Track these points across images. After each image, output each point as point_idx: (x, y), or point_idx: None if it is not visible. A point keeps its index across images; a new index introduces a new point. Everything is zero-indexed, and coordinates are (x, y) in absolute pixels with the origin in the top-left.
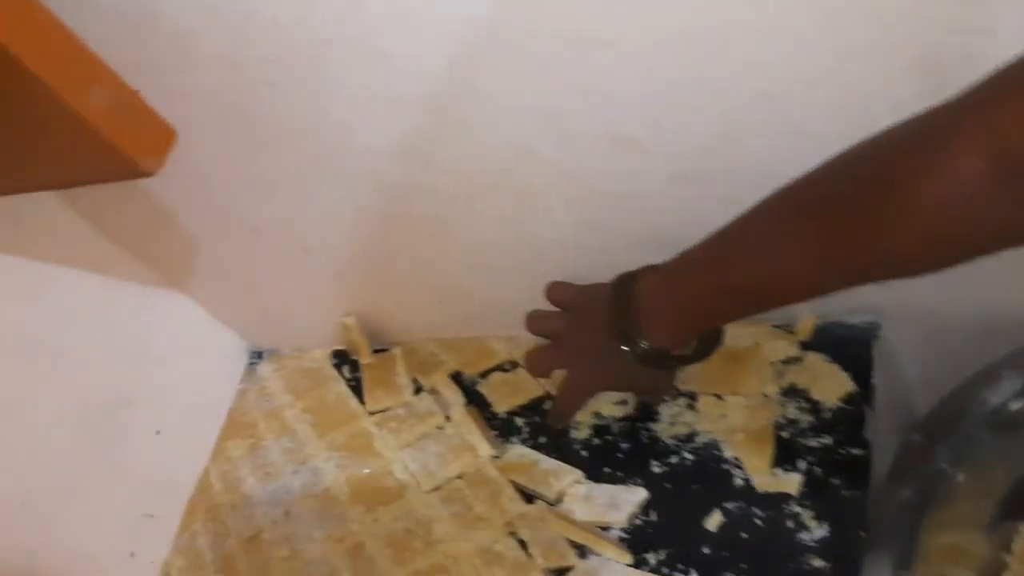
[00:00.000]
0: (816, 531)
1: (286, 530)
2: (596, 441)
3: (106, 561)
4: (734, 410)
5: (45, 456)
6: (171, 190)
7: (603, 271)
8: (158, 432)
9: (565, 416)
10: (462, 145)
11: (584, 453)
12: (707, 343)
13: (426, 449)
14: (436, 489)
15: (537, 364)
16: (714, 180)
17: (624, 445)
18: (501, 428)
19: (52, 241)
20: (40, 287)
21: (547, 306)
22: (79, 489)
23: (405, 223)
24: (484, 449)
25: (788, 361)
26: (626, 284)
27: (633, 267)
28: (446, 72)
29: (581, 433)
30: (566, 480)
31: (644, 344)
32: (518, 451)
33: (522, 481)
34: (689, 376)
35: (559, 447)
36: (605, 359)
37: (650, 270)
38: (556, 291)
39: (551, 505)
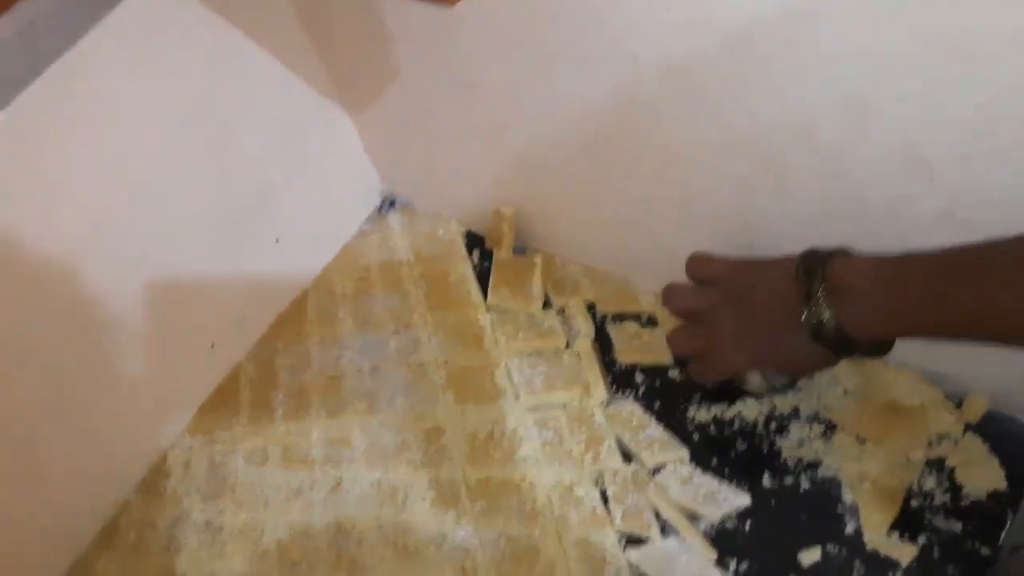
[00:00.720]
0: None
1: (369, 385)
2: (713, 430)
3: (189, 338)
4: (871, 458)
5: (181, 218)
6: (407, 15)
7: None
8: (277, 240)
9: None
10: (738, 93)
11: (696, 436)
12: (884, 342)
13: (536, 366)
14: (533, 409)
15: (685, 342)
16: (979, 231)
17: (741, 446)
18: (617, 377)
19: (258, 20)
20: (231, 61)
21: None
22: (196, 265)
23: (625, 142)
24: (599, 391)
25: (946, 436)
26: (820, 258)
27: None
28: (769, 14)
29: (700, 415)
30: (671, 455)
31: (829, 319)
32: (629, 407)
33: (626, 438)
34: (836, 407)
35: (672, 420)
36: (772, 334)
37: (848, 252)
38: (703, 266)
39: (648, 473)
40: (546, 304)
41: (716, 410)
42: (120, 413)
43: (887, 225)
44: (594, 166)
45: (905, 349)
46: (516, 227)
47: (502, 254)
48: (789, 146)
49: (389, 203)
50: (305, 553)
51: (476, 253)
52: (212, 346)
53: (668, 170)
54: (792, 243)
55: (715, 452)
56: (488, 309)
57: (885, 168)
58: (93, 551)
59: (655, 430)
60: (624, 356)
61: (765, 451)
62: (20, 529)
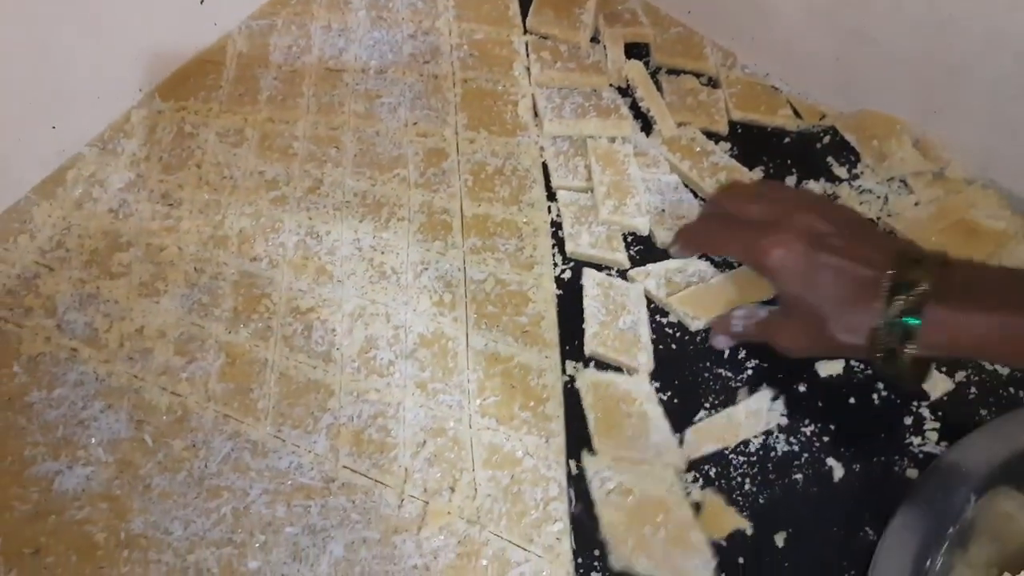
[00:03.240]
0: None
1: (372, 87)
2: None
3: None
4: None
5: None
6: None
7: None
8: None
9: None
10: None
11: None
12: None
13: (568, 96)
14: (554, 139)
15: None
16: None
17: None
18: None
19: None
20: None
21: None
22: None
23: None
24: (667, 125)
25: None
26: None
27: None
28: None
29: None
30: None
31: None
32: (691, 132)
33: (685, 167)
34: (903, 216)
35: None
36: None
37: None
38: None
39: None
40: (595, 39)
41: None
42: (78, 55)
43: None
44: None
45: (998, 168)
46: None
47: None
48: None
49: None
50: (268, 249)
51: None
52: (201, 2)
53: None
54: None
55: None
56: (526, 31)
57: None
58: (33, 197)
59: (721, 157)
60: (674, 113)
61: None
62: None
